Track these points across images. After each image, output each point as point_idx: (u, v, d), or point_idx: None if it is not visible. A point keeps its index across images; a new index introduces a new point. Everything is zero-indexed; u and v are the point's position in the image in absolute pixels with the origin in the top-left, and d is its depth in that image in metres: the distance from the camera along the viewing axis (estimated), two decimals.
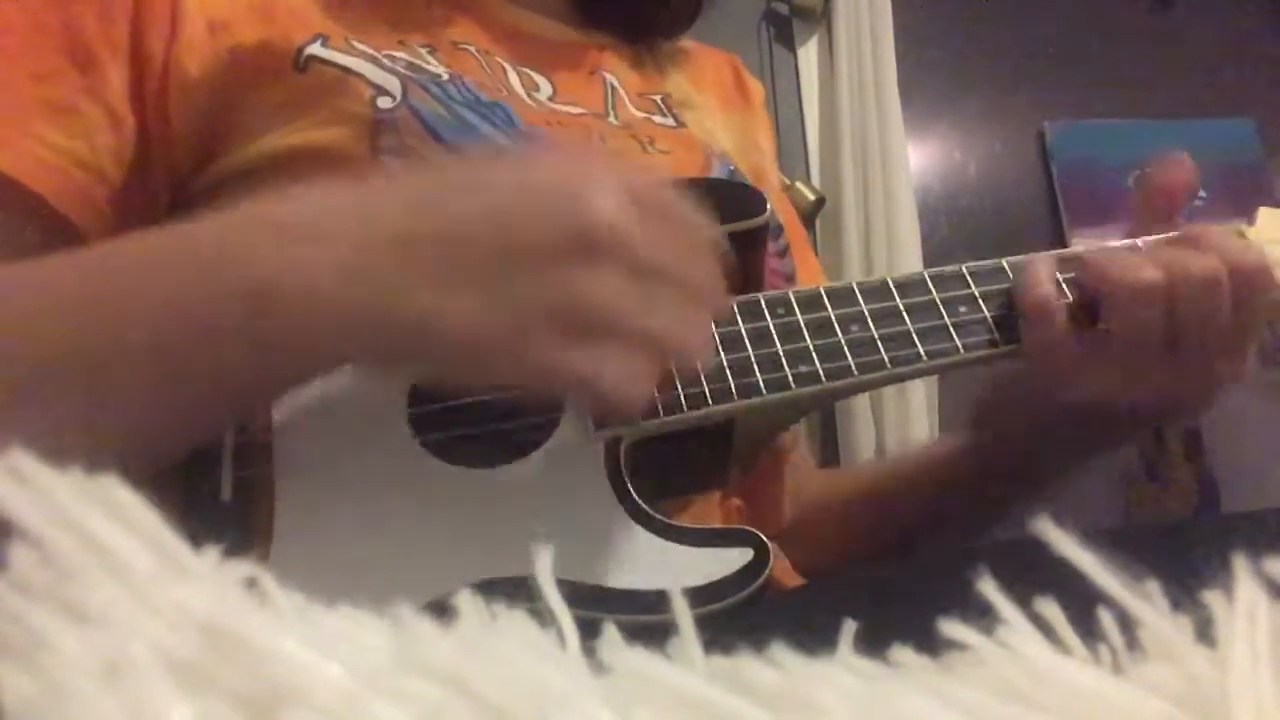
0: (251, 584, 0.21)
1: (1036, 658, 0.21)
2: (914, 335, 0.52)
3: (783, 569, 0.63)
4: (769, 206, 0.54)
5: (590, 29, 0.75)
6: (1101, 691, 0.21)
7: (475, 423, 0.50)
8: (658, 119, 0.71)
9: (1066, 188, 2.17)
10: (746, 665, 0.21)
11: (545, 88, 0.67)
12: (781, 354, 0.51)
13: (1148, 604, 0.22)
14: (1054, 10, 2.27)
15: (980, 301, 0.54)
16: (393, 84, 0.57)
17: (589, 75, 0.71)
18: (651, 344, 0.41)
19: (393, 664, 0.20)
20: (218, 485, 0.48)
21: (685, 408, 0.50)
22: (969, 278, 0.55)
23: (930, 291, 0.54)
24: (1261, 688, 0.20)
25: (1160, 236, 0.57)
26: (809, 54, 2.12)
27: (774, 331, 0.52)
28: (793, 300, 0.53)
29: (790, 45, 2.13)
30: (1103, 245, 0.57)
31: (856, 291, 0.54)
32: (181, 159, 0.56)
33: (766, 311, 0.53)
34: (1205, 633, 0.22)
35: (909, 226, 1.91)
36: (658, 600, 0.44)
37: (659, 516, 0.48)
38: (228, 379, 0.43)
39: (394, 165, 0.54)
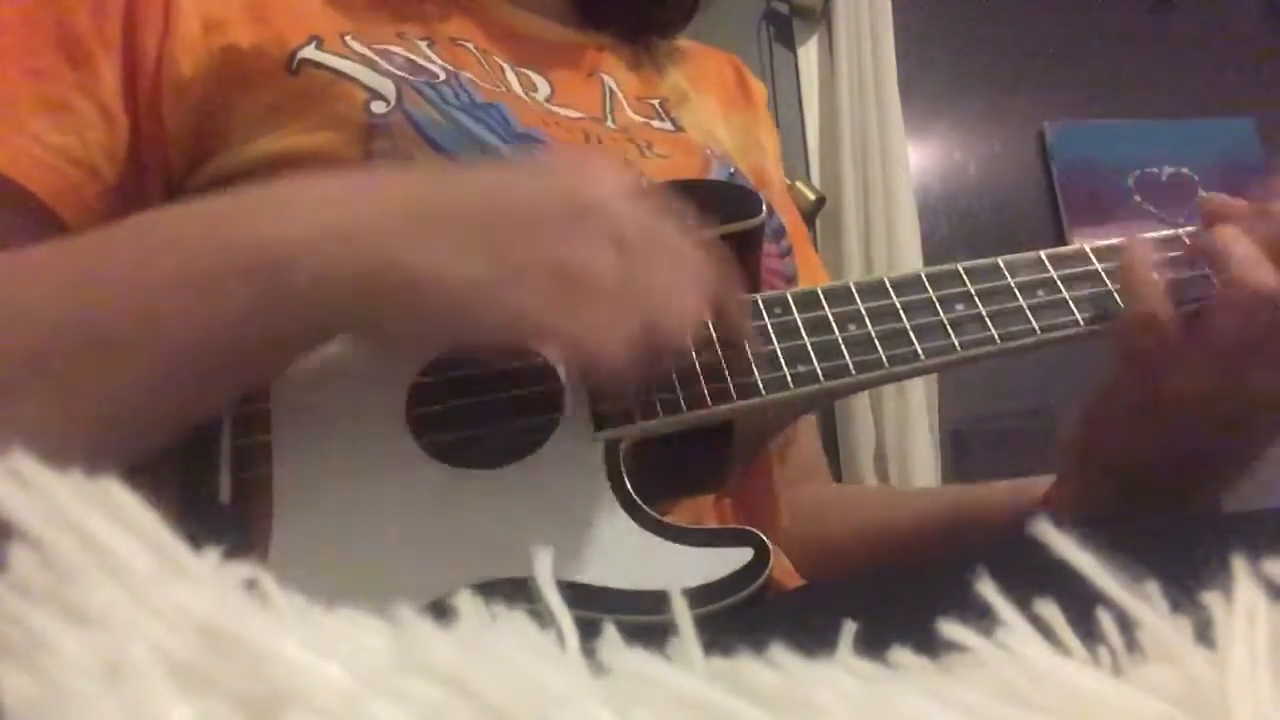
0: (251, 585, 0.21)
1: (1036, 659, 0.21)
2: (911, 333, 0.52)
3: (784, 569, 0.63)
4: (765, 208, 0.54)
5: (588, 29, 0.75)
6: (1101, 693, 0.21)
7: (474, 424, 0.50)
8: (656, 123, 0.71)
9: (1066, 188, 2.17)
10: (746, 666, 0.21)
11: (543, 88, 0.67)
12: (779, 353, 0.51)
13: (1147, 605, 0.22)
14: (1054, 10, 2.27)
15: (976, 299, 0.54)
16: (387, 88, 0.57)
17: (587, 77, 0.71)
18: (637, 309, 0.42)
19: (393, 664, 0.20)
20: (216, 487, 0.48)
21: (684, 408, 0.50)
22: (965, 276, 0.55)
23: (927, 290, 0.54)
24: (1260, 689, 0.20)
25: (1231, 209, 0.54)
26: (809, 54, 2.12)
27: (771, 331, 0.52)
28: (790, 300, 0.53)
29: (790, 45, 2.14)
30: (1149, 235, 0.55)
31: (854, 290, 0.54)
32: (174, 158, 0.56)
33: (764, 311, 0.53)
34: (1205, 634, 0.22)
35: (909, 226, 1.91)
36: (657, 601, 0.44)
37: (658, 516, 0.48)
38: (232, 349, 0.44)
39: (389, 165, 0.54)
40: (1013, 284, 0.54)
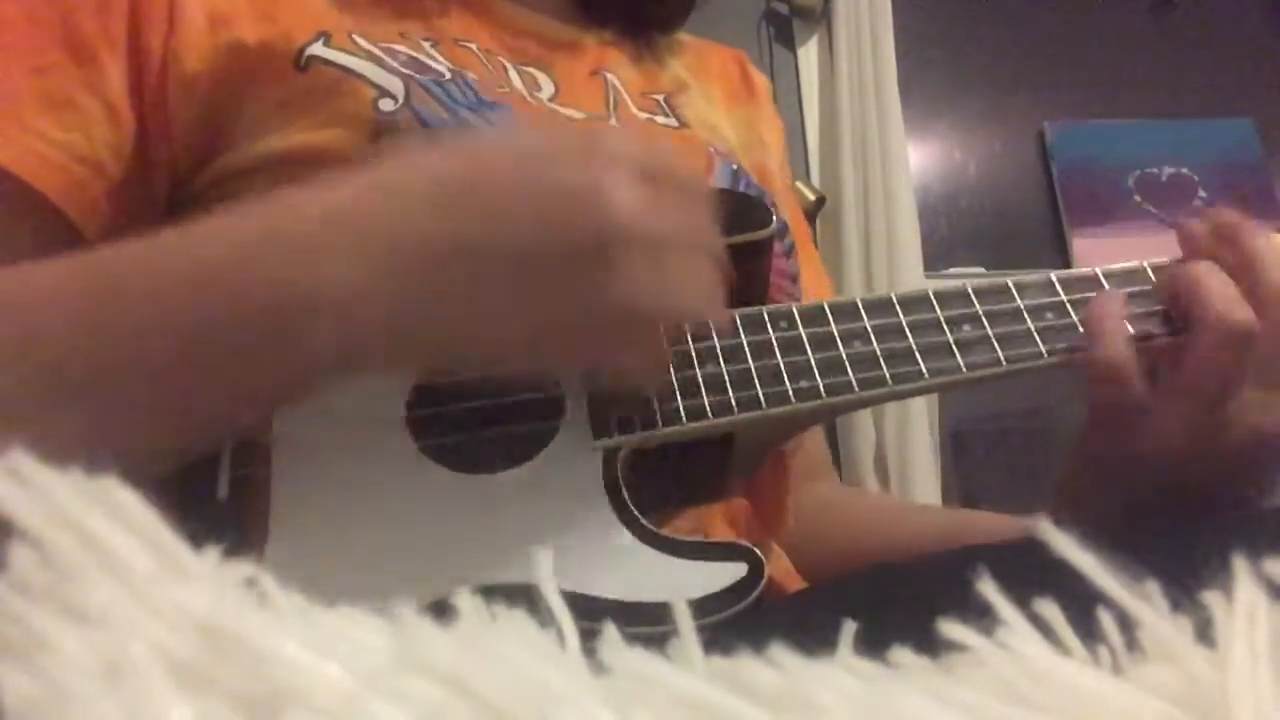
0: (251, 584, 0.21)
1: (1036, 659, 0.21)
2: (917, 353, 0.52)
3: (785, 572, 0.63)
4: (774, 216, 0.54)
5: (589, 26, 0.75)
6: (1101, 692, 0.21)
7: (474, 428, 0.50)
8: (660, 119, 0.71)
9: (1066, 188, 2.17)
10: (746, 666, 0.21)
11: (547, 86, 0.67)
12: (783, 368, 0.51)
13: (1147, 605, 0.22)
14: (1054, 10, 2.27)
15: (984, 320, 0.53)
16: (395, 85, 0.57)
17: (590, 75, 0.71)
18: (671, 319, 0.43)
19: (393, 664, 0.20)
20: (215, 483, 0.48)
21: (685, 420, 0.50)
22: (973, 296, 0.54)
23: (934, 309, 0.54)
24: (1261, 688, 0.20)
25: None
26: (809, 54, 2.13)
27: (775, 345, 0.52)
28: (795, 314, 0.53)
29: (790, 45, 2.14)
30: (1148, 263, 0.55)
31: (860, 307, 0.53)
32: (181, 156, 0.56)
33: (769, 324, 0.53)
34: (1205, 633, 0.22)
35: (909, 226, 1.91)
36: (650, 612, 0.44)
37: (654, 528, 0.48)
38: (244, 391, 0.44)
39: (402, 147, 0.54)
40: (1022, 306, 0.54)
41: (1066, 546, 0.22)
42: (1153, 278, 0.55)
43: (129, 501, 0.21)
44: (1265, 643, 0.21)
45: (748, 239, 0.52)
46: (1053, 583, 0.22)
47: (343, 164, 0.50)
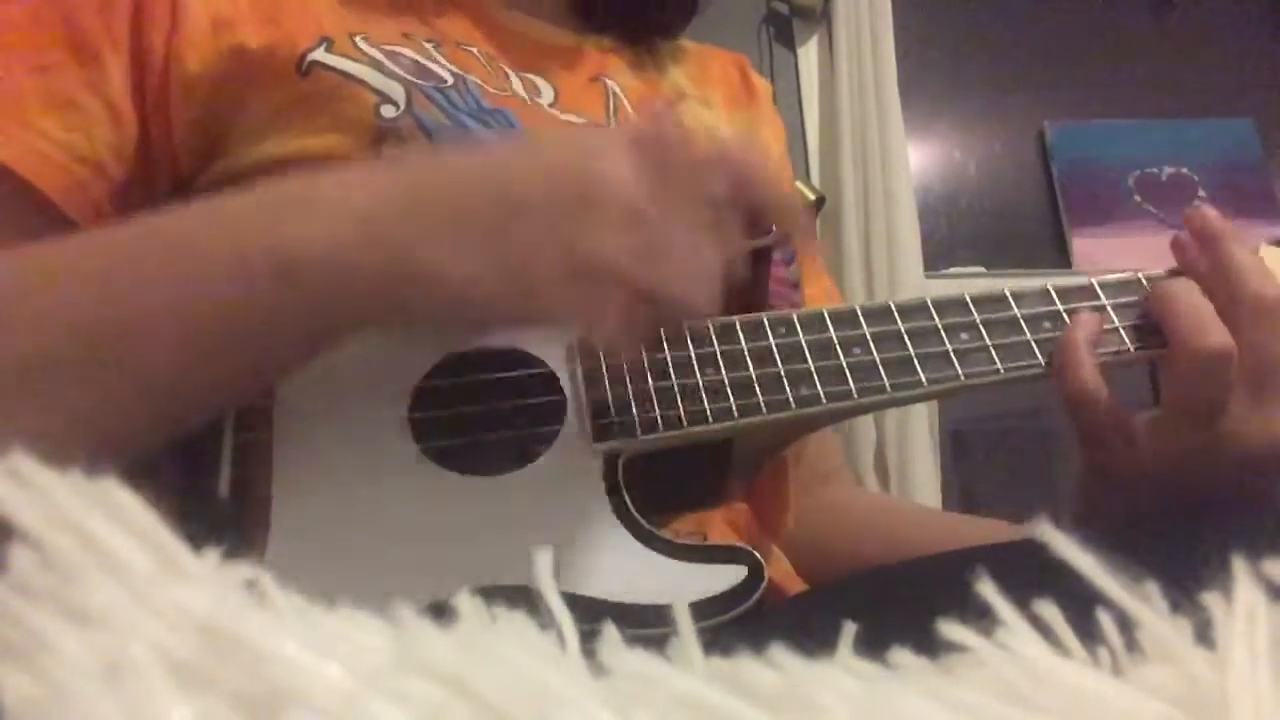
0: (251, 585, 0.21)
1: (1036, 659, 0.21)
2: (916, 361, 0.53)
3: (785, 574, 0.63)
4: (773, 224, 0.54)
5: (589, 32, 0.75)
6: (1101, 693, 0.21)
7: (476, 430, 0.50)
8: None
9: (1066, 188, 2.17)
10: (746, 667, 0.21)
11: (547, 93, 0.67)
12: (783, 374, 0.52)
13: (1147, 605, 0.22)
14: (1054, 10, 2.27)
15: (982, 329, 0.54)
16: (397, 92, 0.57)
17: (590, 81, 0.71)
18: (651, 295, 0.42)
19: (393, 664, 0.20)
20: (216, 481, 0.48)
21: (685, 424, 0.50)
22: (971, 305, 0.55)
23: (933, 317, 0.54)
24: (1261, 689, 0.20)
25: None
26: (809, 54, 2.13)
27: (776, 352, 0.52)
28: (795, 321, 0.54)
29: (790, 45, 2.14)
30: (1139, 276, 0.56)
31: (859, 314, 0.54)
32: (182, 157, 0.56)
33: (769, 331, 0.53)
34: (1205, 634, 0.22)
35: (909, 226, 1.91)
36: (650, 614, 0.44)
37: (654, 530, 0.48)
38: (250, 348, 0.44)
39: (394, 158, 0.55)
40: (1019, 315, 0.54)
41: (1066, 547, 0.22)
42: (1147, 288, 0.55)
43: (129, 502, 0.21)
44: (1265, 643, 0.21)
45: (748, 246, 0.52)
46: (1052, 583, 0.22)
47: (342, 169, 0.50)
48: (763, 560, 0.47)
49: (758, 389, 0.51)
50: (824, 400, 0.51)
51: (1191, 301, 0.51)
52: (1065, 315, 0.54)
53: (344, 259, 0.42)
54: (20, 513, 0.20)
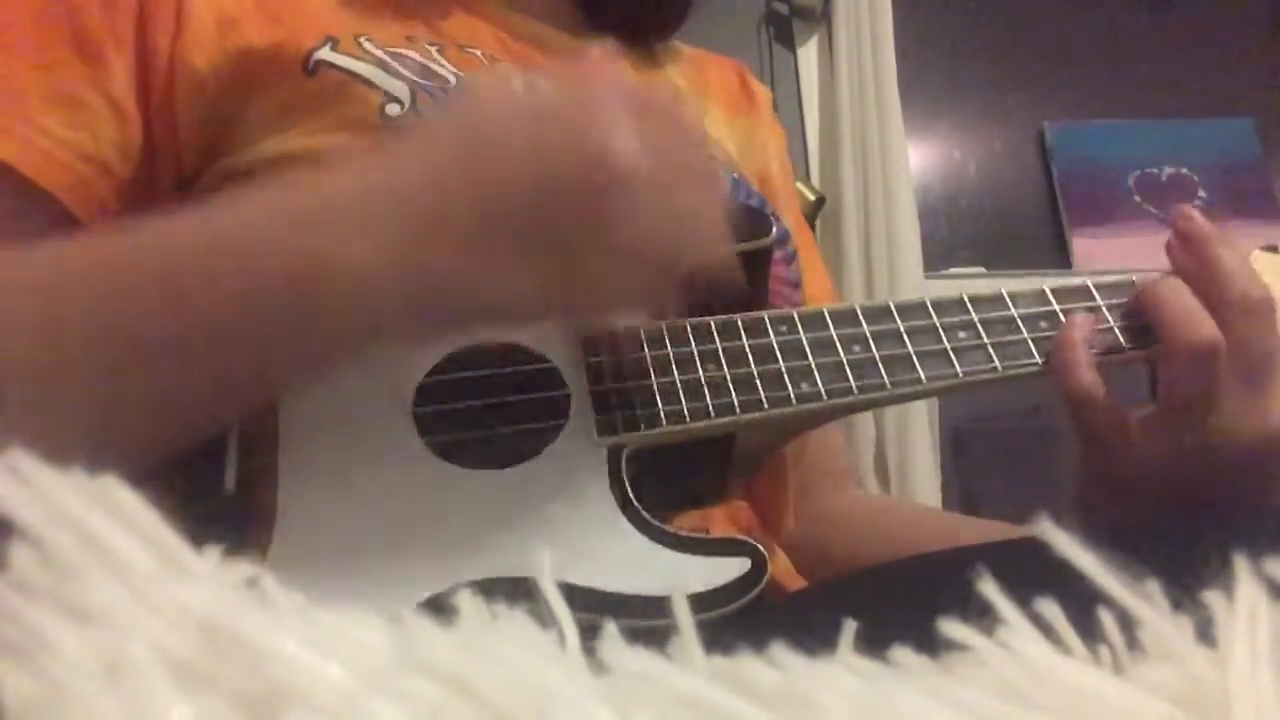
0: (252, 583, 0.21)
1: (1037, 658, 0.21)
2: (915, 358, 0.54)
3: (785, 571, 0.63)
4: (774, 225, 0.54)
5: (589, 34, 0.75)
6: (1102, 692, 0.21)
7: (480, 424, 0.51)
8: None
9: (1066, 188, 2.17)
10: (746, 665, 0.21)
11: None
12: (784, 370, 0.52)
13: (1148, 604, 0.22)
14: (1054, 10, 2.27)
15: (980, 328, 0.55)
16: (401, 91, 0.57)
17: None
18: (677, 254, 0.44)
19: (393, 664, 0.20)
20: (221, 476, 0.48)
21: (688, 419, 0.51)
22: (969, 304, 0.56)
23: (931, 316, 0.55)
24: (1262, 688, 0.20)
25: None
26: (809, 54, 2.13)
27: (777, 349, 0.53)
28: (796, 319, 0.54)
29: (790, 45, 2.14)
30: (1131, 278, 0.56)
31: (859, 313, 0.55)
32: (187, 156, 0.56)
33: (770, 329, 0.54)
34: (1206, 633, 0.22)
35: (909, 227, 1.91)
36: (655, 606, 0.45)
37: (658, 523, 0.49)
38: (266, 362, 0.44)
39: (406, 124, 0.55)
40: (1016, 315, 0.56)
41: (1067, 546, 0.22)
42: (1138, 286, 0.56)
43: (129, 501, 0.21)
44: (1266, 642, 0.21)
45: (748, 248, 0.53)
46: (1053, 582, 0.22)
47: None
48: (765, 552, 0.47)
49: (759, 385, 0.52)
50: (825, 396, 0.52)
51: (1180, 298, 0.52)
52: (1061, 315, 0.55)
53: (372, 285, 0.41)
54: (20, 510, 0.20)
